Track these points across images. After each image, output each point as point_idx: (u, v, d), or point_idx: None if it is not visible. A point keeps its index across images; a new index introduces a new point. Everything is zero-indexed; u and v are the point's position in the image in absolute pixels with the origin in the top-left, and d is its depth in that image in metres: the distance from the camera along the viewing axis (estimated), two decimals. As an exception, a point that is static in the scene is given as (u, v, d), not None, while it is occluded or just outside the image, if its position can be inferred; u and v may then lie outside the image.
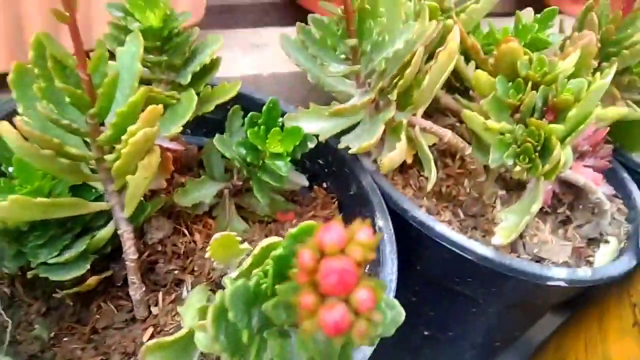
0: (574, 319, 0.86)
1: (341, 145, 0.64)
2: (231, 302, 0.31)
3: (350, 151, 0.63)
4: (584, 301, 0.87)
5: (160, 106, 0.46)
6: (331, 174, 0.74)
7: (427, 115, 0.83)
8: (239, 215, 0.67)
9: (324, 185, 0.74)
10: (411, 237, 0.67)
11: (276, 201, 0.67)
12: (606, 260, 0.73)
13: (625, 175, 0.89)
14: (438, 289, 0.72)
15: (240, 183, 0.65)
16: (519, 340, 1.03)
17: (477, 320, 0.74)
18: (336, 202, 0.71)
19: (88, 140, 0.47)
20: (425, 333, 0.78)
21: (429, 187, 0.66)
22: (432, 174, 0.64)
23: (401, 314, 0.35)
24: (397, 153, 0.60)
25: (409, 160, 0.73)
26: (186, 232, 0.63)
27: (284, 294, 0.28)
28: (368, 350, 0.48)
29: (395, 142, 0.61)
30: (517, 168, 0.60)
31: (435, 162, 0.83)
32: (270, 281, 0.33)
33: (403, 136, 0.61)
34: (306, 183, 0.69)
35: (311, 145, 0.62)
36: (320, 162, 0.74)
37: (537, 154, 0.59)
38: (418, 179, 0.78)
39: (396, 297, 0.77)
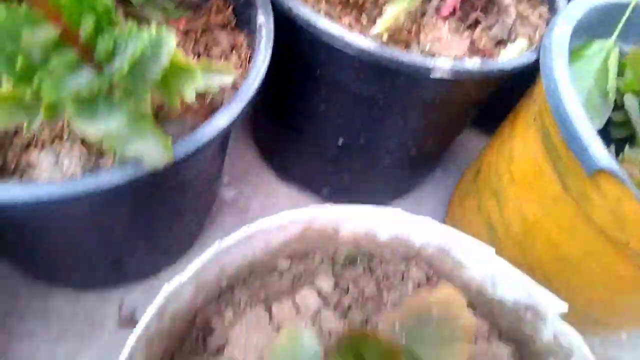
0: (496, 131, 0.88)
1: None
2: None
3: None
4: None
5: None
6: (228, -20, 0.73)
7: None
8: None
9: (222, -7, 0.74)
10: (304, 40, 0.68)
11: (167, 10, 0.68)
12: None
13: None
14: (340, 94, 0.74)
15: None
16: (451, 155, 1.07)
17: (382, 124, 0.76)
18: (231, 8, 0.72)
19: None
20: (340, 142, 0.81)
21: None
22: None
23: (169, 39, 0.37)
24: None
25: (312, -34, 0.72)
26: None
27: None
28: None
29: None
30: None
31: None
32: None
33: None
34: (197, -12, 0.69)
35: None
36: (218, -30, 0.73)
37: None
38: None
39: (307, 106, 0.80)
